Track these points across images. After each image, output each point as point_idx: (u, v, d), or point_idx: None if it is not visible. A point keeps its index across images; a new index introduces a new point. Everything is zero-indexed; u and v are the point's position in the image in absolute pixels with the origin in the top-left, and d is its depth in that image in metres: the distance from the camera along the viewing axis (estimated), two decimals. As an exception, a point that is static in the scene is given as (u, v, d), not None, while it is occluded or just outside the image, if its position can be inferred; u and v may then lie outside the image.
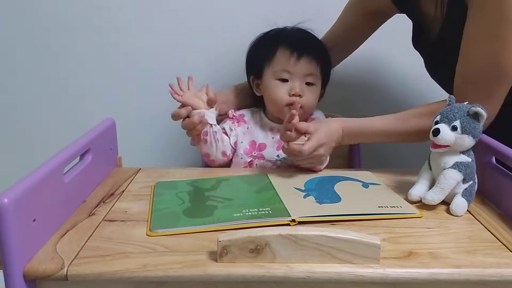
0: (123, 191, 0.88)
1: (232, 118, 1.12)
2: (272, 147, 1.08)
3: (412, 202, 0.81)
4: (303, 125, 0.92)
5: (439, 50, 1.00)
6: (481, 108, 0.77)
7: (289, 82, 1.05)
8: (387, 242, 0.68)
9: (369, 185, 0.89)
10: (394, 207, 0.79)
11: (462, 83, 0.91)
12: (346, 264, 0.61)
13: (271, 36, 1.11)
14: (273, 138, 1.09)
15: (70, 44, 1.44)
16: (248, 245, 0.61)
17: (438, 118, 0.80)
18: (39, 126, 1.51)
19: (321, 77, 1.09)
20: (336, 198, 0.82)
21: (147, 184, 0.91)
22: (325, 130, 0.94)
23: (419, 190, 0.82)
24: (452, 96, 0.83)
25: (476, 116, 0.78)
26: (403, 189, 0.85)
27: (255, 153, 1.09)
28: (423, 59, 1.11)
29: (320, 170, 0.98)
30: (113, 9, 1.41)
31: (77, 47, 1.45)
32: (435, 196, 0.78)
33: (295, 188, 0.88)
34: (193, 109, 1.00)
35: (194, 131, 1.02)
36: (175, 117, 1.01)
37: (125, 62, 1.46)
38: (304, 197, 0.83)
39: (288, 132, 0.91)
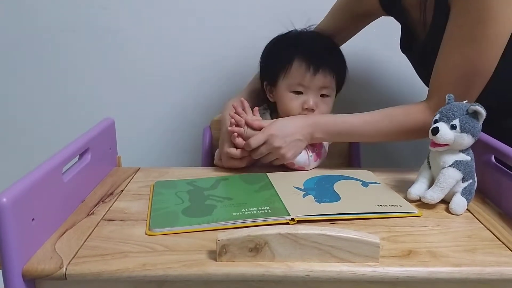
0: (122, 191, 0.88)
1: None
2: None
3: (411, 201, 0.81)
4: (255, 122, 0.97)
5: (426, 54, 1.00)
6: (481, 107, 0.77)
7: (304, 95, 1.03)
8: (387, 241, 0.68)
9: (369, 184, 0.89)
10: (393, 206, 0.79)
11: (438, 82, 0.92)
12: (345, 263, 0.61)
13: (287, 44, 1.09)
14: None
15: (70, 45, 1.44)
16: (247, 244, 0.61)
17: (437, 116, 0.80)
18: (38, 126, 1.51)
19: (337, 86, 1.08)
20: (335, 197, 0.82)
21: (146, 184, 0.91)
22: (280, 124, 0.97)
23: (418, 189, 0.82)
24: (451, 95, 0.83)
25: (475, 114, 0.78)
26: (402, 188, 0.85)
27: None
28: (411, 62, 1.12)
29: (293, 165, 0.98)
30: (112, 10, 1.41)
31: (76, 47, 1.44)
32: (434, 195, 0.78)
33: (295, 187, 0.88)
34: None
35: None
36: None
37: (125, 62, 1.46)
38: (304, 196, 0.83)
39: (236, 128, 0.97)
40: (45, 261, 0.62)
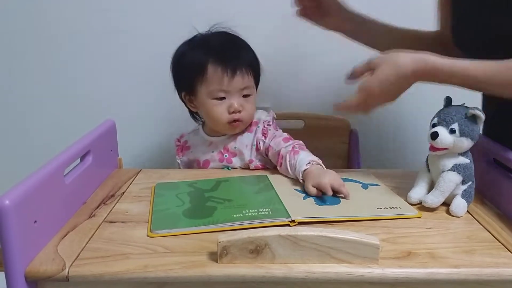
0: (123, 193, 0.88)
1: (177, 146, 1.13)
2: (215, 161, 1.07)
3: (411, 205, 0.81)
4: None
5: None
6: (479, 111, 0.77)
7: (227, 100, 1.02)
8: (386, 242, 0.68)
9: (369, 186, 0.90)
10: (393, 208, 0.79)
11: None
12: (345, 264, 0.62)
13: (196, 49, 1.06)
14: (213, 151, 1.08)
15: (71, 47, 1.45)
16: (248, 245, 0.61)
17: (435, 120, 0.80)
18: (39, 128, 1.51)
19: (255, 81, 1.07)
20: (335, 200, 0.82)
21: (147, 186, 0.91)
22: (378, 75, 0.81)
23: (418, 192, 0.82)
24: (449, 96, 0.83)
25: (474, 118, 0.78)
26: (402, 189, 0.86)
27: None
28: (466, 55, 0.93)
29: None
30: (113, 11, 1.42)
31: (77, 49, 1.45)
32: (435, 199, 0.78)
33: (295, 189, 0.88)
34: None
35: None
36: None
37: (126, 64, 1.46)
38: (304, 198, 0.83)
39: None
40: (48, 263, 0.62)
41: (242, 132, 1.08)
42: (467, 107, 0.79)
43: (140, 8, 1.42)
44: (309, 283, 0.61)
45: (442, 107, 0.83)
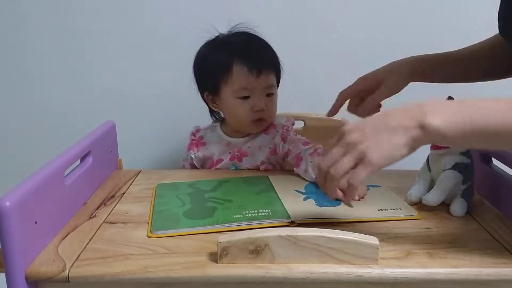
0: (123, 193, 0.88)
1: (192, 141, 1.14)
2: (226, 159, 1.08)
3: (412, 203, 0.82)
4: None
5: None
6: None
7: (251, 99, 1.03)
8: (386, 242, 0.68)
9: (369, 187, 0.89)
10: (393, 209, 0.79)
11: None
12: (345, 264, 0.62)
13: (220, 48, 1.07)
14: (230, 153, 1.09)
15: (71, 47, 1.45)
16: (248, 246, 0.61)
17: None
18: (39, 129, 1.51)
19: (277, 81, 1.08)
20: (336, 201, 0.82)
21: (147, 186, 0.91)
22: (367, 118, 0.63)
23: (418, 191, 0.82)
24: (451, 96, 0.83)
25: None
26: (402, 190, 0.86)
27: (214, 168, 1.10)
28: None
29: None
30: (113, 12, 1.42)
31: (78, 49, 1.45)
32: (435, 197, 0.78)
33: (296, 190, 0.88)
34: None
35: None
36: None
37: (125, 65, 1.46)
38: (304, 199, 0.84)
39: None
40: (48, 264, 0.62)
41: (258, 133, 1.09)
42: None
43: (140, 9, 1.42)
44: (309, 283, 0.61)
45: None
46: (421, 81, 0.90)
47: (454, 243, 0.69)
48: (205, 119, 1.30)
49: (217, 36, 1.09)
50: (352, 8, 1.41)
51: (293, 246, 0.61)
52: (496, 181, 0.82)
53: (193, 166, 1.14)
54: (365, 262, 0.62)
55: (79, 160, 0.84)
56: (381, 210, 0.79)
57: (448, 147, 0.78)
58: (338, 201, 0.82)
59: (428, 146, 0.81)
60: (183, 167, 1.16)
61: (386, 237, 0.70)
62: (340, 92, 0.92)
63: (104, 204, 0.83)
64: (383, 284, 0.62)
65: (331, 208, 0.80)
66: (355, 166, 0.60)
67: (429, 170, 0.84)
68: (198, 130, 1.15)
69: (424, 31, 1.39)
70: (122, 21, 1.43)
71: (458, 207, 0.78)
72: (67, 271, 0.61)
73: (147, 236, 0.70)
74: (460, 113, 0.58)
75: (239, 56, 1.02)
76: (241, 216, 0.75)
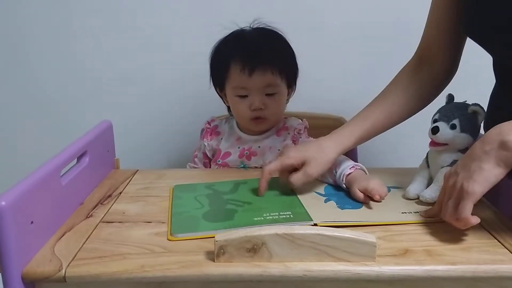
0: (120, 193, 0.88)
1: (207, 129, 1.14)
2: (235, 156, 1.08)
3: (409, 199, 0.81)
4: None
5: None
6: (480, 107, 0.77)
7: (249, 97, 1.03)
8: (383, 240, 0.68)
9: (390, 188, 0.86)
10: (417, 212, 0.77)
11: None
12: (342, 262, 0.62)
13: (224, 46, 1.07)
14: (239, 147, 1.09)
15: (68, 47, 1.44)
16: (245, 244, 0.61)
17: (437, 116, 0.81)
18: (36, 129, 1.51)
19: (285, 79, 1.05)
20: (357, 204, 0.81)
21: (144, 186, 0.91)
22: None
23: (416, 187, 0.82)
24: (451, 94, 0.83)
25: (475, 114, 0.78)
26: (401, 188, 0.86)
27: (219, 161, 1.09)
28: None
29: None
30: (110, 12, 1.41)
31: (74, 49, 1.45)
32: (432, 194, 0.79)
33: (316, 192, 0.87)
34: None
35: None
36: None
37: (122, 65, 1.46)
38: (325, 201, 0.82)
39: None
40: (45, 264, 0.62)
41: (270, 134, 1.08)
42: (468, 104, 0.79)
43: (137, 8, 1.41)
44: (307, 281, 0.61)
45: (443, 105, 0.83)
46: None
47: (451, 240, 0.68)
48: (202, 118, 1.29)
49: (232, 32, 1.08)
50: (349, 6, 1.41)
51: (290, 245, 0.61)
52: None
53: (205, 156, 1.15)
54: (362, 260, 0.62)
55: (76, 159, 0.84)
56: (405, 213, 0.77)
57: (446, 144, 0.78)
58: (359, 203, 0.81)
59: (427, 143, 0.81)
60: (196, 157, 1.16)
61: (384, 235, 0.70)
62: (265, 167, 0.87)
63: (101, 203, 0.83)
64: (380, 281, 0.62)
65: (353, 210, 0.78)
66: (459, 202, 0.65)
67: (428, 167, 0.84)
68: (213, 119, 1.16)
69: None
70: (119, 21, 1.42)
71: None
72: (64, 271, 0.60)
73: (167, 239, 0.69)
74: None
75: (237, 54, 1.02)
76: (262, 218, 0.74)
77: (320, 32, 1.42)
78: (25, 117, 1.50)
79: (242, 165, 1.07)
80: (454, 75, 0.91)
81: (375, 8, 1.41)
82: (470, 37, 0.84)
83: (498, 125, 0.64)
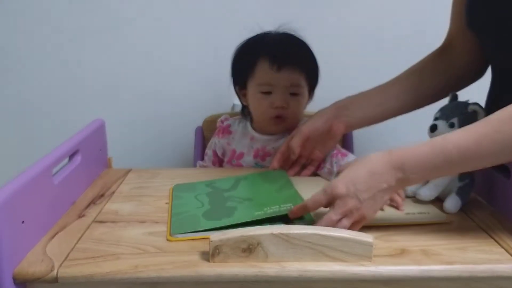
0: (113, 192, 0.87)
1: (220, 127, 1.14)
2: (249, 155, 1.08)
3: (406, 197, 0.81)
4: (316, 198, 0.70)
5: None
6: (480, 106, 0.77)
7: (272, 94, 1.03)
8: (380, 239, 0.68)
9: None
10: (422, 213, 0.77)
11: None
12: (338, 262, 0.61)
13: (251, 45, 1.08)
14: (252, 147, 1.09)
15: (62, 45, 1.43)
16: (240, 244, 0.60)
17: (437, 115, 0.81)
18: (27, 127, 1.49)
19: (308, 83, 1.06)
20: None
21: (137, 185, 0.90)
22: (350, 175, 0.68)
23: (413, 185, 0.82)
24: (454, 93, 0.83)
25: (474, 114, 0.78)
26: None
27: (233, 161, 1.09)
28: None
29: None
30: (105, 11, 1.40)
31: (68, 48, 1.43)
32: (428, 192, 0.78)
33: (317, 187, 0.86)
34: None
35: None
36: None
37: (115, 64, 1.45)
38: None
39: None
40: (36, 264, 0.61)
41: (284, 135, 1.07)
42: (468, 103, 0.79)
43: (132, 7, 1.40)
44: (302, 281, 0.61)
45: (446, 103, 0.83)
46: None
47: (448, 240, 0.68)
48: (197, 118, 1.29)
49: (258, 33, 1.09)
50: (351, 6, 1.41)
51: (286, 244, 0.61)
52: (491, 178, 0.82)
53: (215, 154, 1.14)
54: (358, 260, 0.61)
55: (68, 158, 0.83)
56: (409, 213, 0.77)
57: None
58: None
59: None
60: (206, 154, 1.16)
61: (380, 235, 0.69)
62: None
63: (93, 203, 0.82)
64: (377, 281, 0.61)
65: None
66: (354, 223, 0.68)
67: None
68: (227, 118, 1.16)
69: (419, 27, 1.39)
70: (114, 20, 1.41)
71: (450, 203, 0.78)
72: (56, 271, 0.60)
73: (167, 240, 0.68)
74: (429, 162, 0.65)
75: (264, 51, 1.03)
76: (263, 212, 0.73)
77: (323, 33, 1.41)
78: (17, 115, 1.49)
79: (257, 165, 1.07)
80: (477, 77, 0.93)
81: (375, 10, 1.41)
82: (470, 29, 0.86)
83: (400, 162, 0.66)
